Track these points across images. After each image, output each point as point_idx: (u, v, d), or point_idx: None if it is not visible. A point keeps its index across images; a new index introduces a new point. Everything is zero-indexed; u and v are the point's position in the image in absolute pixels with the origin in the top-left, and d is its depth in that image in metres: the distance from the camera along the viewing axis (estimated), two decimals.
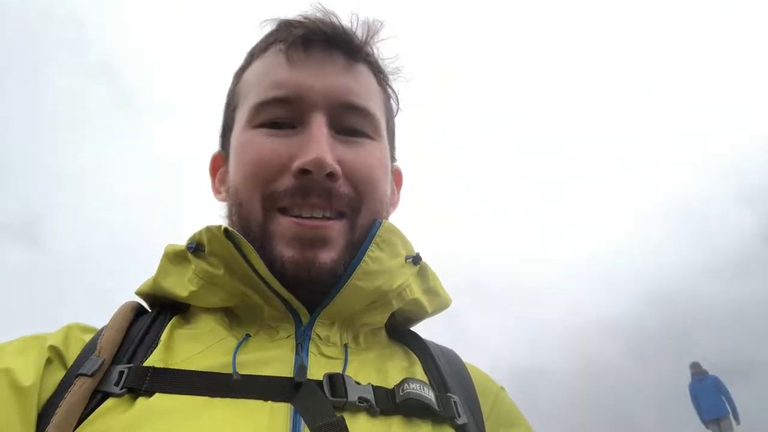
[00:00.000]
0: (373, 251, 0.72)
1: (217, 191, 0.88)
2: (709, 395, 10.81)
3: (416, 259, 0.79)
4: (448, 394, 0.72)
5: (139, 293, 0.79)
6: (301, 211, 0.71)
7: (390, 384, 0.69)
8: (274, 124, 0.75)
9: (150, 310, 0.78)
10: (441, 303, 0.84)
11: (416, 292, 0.79)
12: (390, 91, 0.87)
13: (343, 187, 0.73)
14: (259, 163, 0.73)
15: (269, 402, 0.61)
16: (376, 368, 0.73)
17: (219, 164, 0.89)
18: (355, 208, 0.74)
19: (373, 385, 0.67)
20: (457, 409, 0.70)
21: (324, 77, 0.76)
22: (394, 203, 0.88)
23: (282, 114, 0.75)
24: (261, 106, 0.76)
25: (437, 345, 0.86)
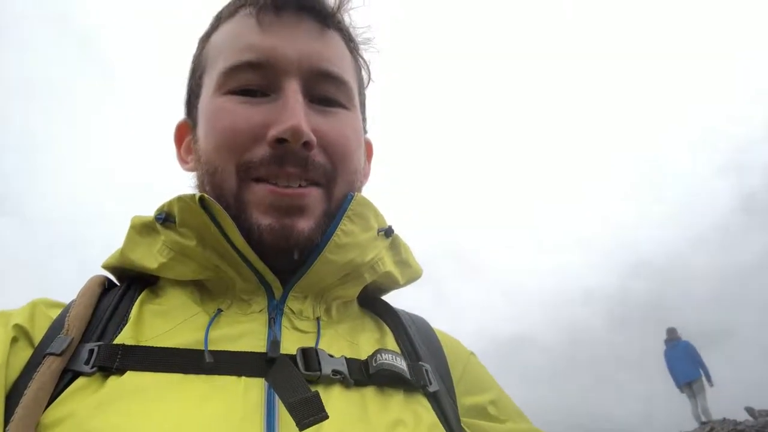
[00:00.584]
0: (345, 224, 0.72)
1: (183, 161, 0.85)
2: (681, 360, 11.23)
3: (388, 232, 0.79)
4: (420, 362, 0.73)
5: (106, 267, 0.77)
6: (277, 180, 0.70)
7: (363, 355, 0.69)
8: (246, 91, 0.73)
9: (118, 284, 0.77)
10: (412, 274, 0.85)
11: (388, 264, 0.79)
12: (361, 60, 0.85)
13: (318, 156, 0.72)
14: (233, 131, 0.71)
15: (243, 378, 0.61)
16: (349, 340, 0.73)
17: (185, 133, 0.86)
18: (331, 179, 0.73)
19: (346, 357, 0.67)
20: (428, 377, 0.71)
21: (297, 42, 0.74)
22: (365, 175, 0.87)
23: (254, 80, 0.73)
24: (231, 71, 0.74)
25: (407, 313, 0.87)
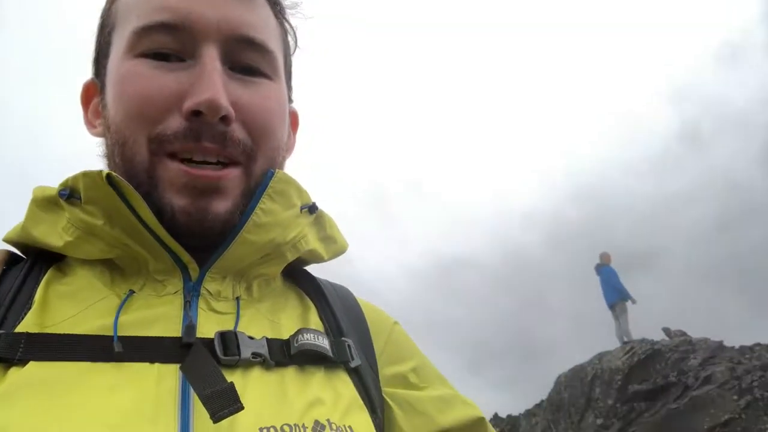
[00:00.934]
0: (265, 203, 0.69)
1: (91, 125, 0.79)
2: (605, 283, 12.07)
3: (312, 209, 0.77)
4: (342, 338, 0.73)
5: (7, 240, 0.72)
6: (192, 156, 0.65)
7: (285, 335, 0.68)
8: (160, 55, 0.67)
9: (24, 257, 0.72)
10: (338, 249, 0.84)
11: (312, 242, 0.77)
12: (287, 26, 0.80)
13: (237, 131, 0.67)
14: (145, 99, 0.66)
15: (156, 365, 0.59)
16: (270, 319, 0.72)
17: (92, 94, 0.79)
18: (250, 156, 0.69)
19: (267, 338, 0.66)
20: (350, 352, 0.71)
21: (217, 5, 0.68)
22: (290, 147, 0.84)
23: (169, 43, 0.67)
24: (144, 32, 0.67)
25: (331, 284, 0.86)
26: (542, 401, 13.39)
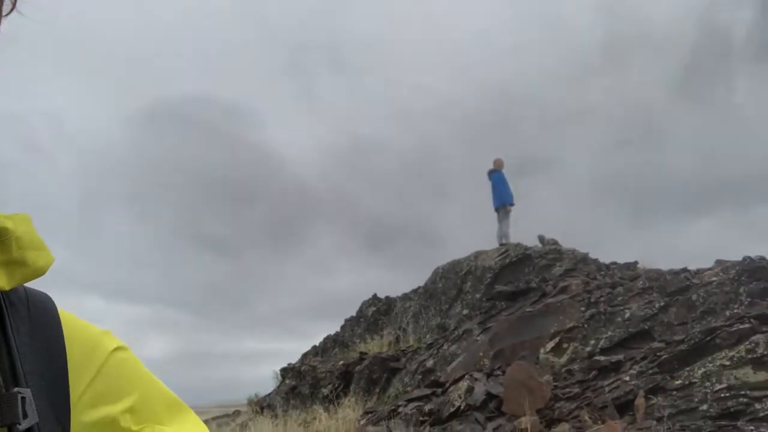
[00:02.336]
0: None
1: None
2: (494, 188, 12.48)
3: None
4: (16, 389, 0.59)
5: None
6: None
7: None
8: None
9: None
10: (29, 274, 0.68)
11: None
12: None
13: None
14: None
15: None
16: None
17: None
18: None
19: None
20: (23, 408, 0.59)
21: None
22: None
23: None
24: None
25: (26, 300, 0.69)
26: (419, 287, 14.06)
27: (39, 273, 0.70)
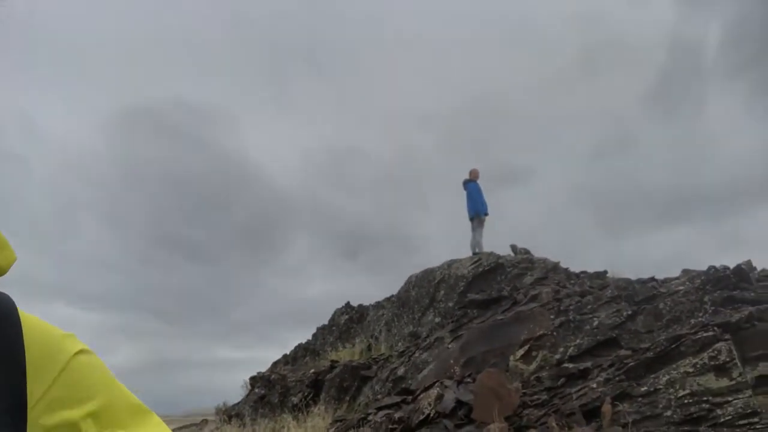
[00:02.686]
0: None
1: None
2: (469, 197, 12.54)
3: None
4: None
5: None
6: None
7: None
8: None
9: None
10: None
11: None
12: None
13: None
14: None
15: None
16: None
17: None
18: None
19: None
20: None
21: None
22: None
23: None
24: None
25: None
26: (392, 296, 14.01)
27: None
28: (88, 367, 0.71)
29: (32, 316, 0.70)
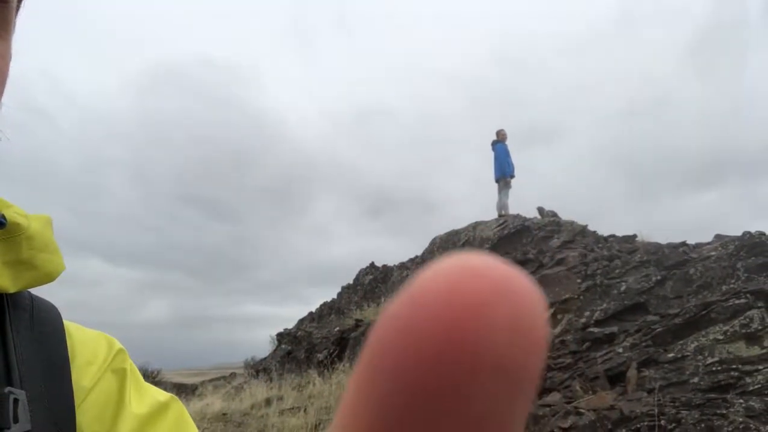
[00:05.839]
0: None
1: None
2: (496, 159, 12.36)
3: None
4: (8, 389, 0.56)
5: None
6: None
7: None
8: None
9: None
10: (39, 277, 0.66)
11: None
12: None
13: None
14: None
15: None
16: None
17: None
18: None
19: None
20: (15, 411, 0.55)
21: None
22: None
23: None
24: None
25: (31, 305, 0.66)
26: (416, 257, 14.06)
27: (47, 279, 0.70)
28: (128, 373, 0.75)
29: (76, 325, 0.72)
